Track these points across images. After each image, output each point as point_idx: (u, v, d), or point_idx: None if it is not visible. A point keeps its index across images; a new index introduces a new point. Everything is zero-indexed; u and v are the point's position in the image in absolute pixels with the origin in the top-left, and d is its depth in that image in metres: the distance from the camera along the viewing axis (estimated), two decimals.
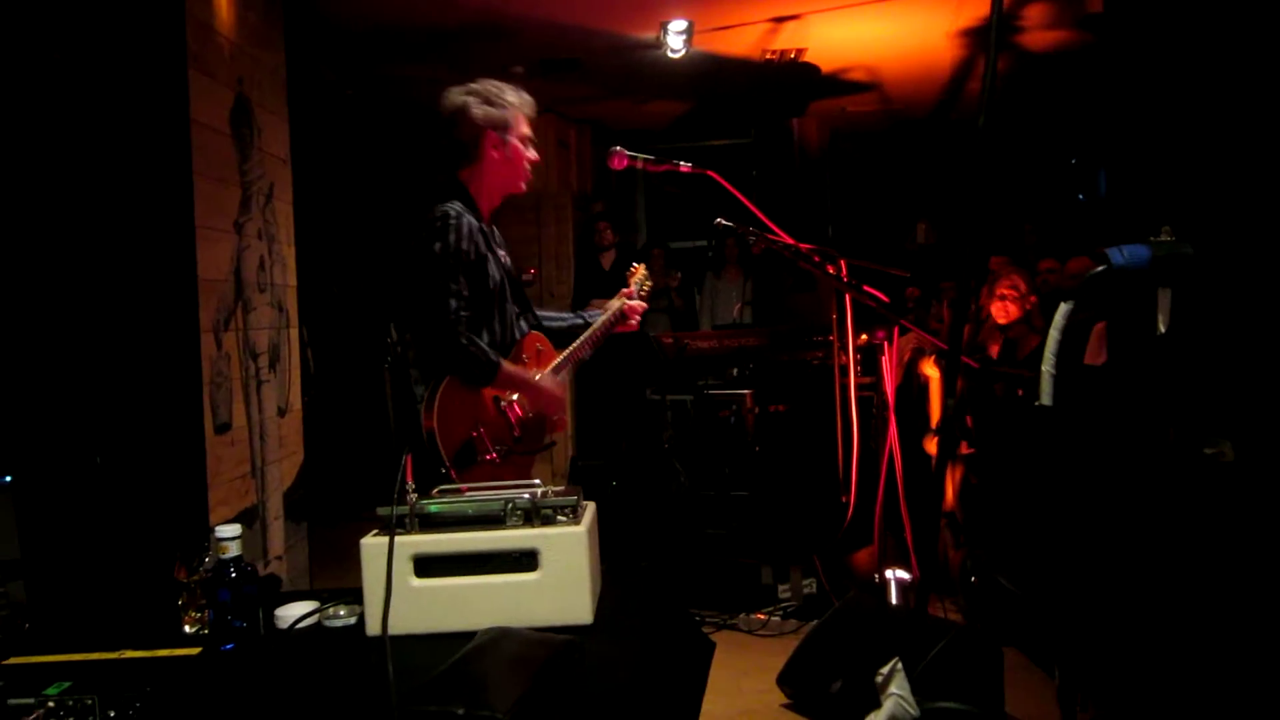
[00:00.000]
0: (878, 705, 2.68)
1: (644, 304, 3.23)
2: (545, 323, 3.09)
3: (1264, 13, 2.48)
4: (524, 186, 2.94)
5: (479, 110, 2.81)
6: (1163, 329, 1.62)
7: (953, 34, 6.11)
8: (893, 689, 2.71)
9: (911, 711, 2.70)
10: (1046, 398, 1.59)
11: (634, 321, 3.21)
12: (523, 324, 2.96)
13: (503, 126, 2.83)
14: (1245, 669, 2.28)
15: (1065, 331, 1.57)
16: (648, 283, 3.34)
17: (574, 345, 3.03)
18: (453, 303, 2.65)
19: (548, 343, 3.02)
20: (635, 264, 3.42)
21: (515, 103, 2.87)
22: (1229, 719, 2.30)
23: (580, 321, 3.16)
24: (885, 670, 2.75)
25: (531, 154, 2.91)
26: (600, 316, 3.13)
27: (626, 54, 6.32)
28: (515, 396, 2.80)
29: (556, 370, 2.96)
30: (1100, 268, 1.63)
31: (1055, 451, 1.85)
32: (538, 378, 2.84)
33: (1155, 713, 2.53)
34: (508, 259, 2.95)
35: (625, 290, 3.24)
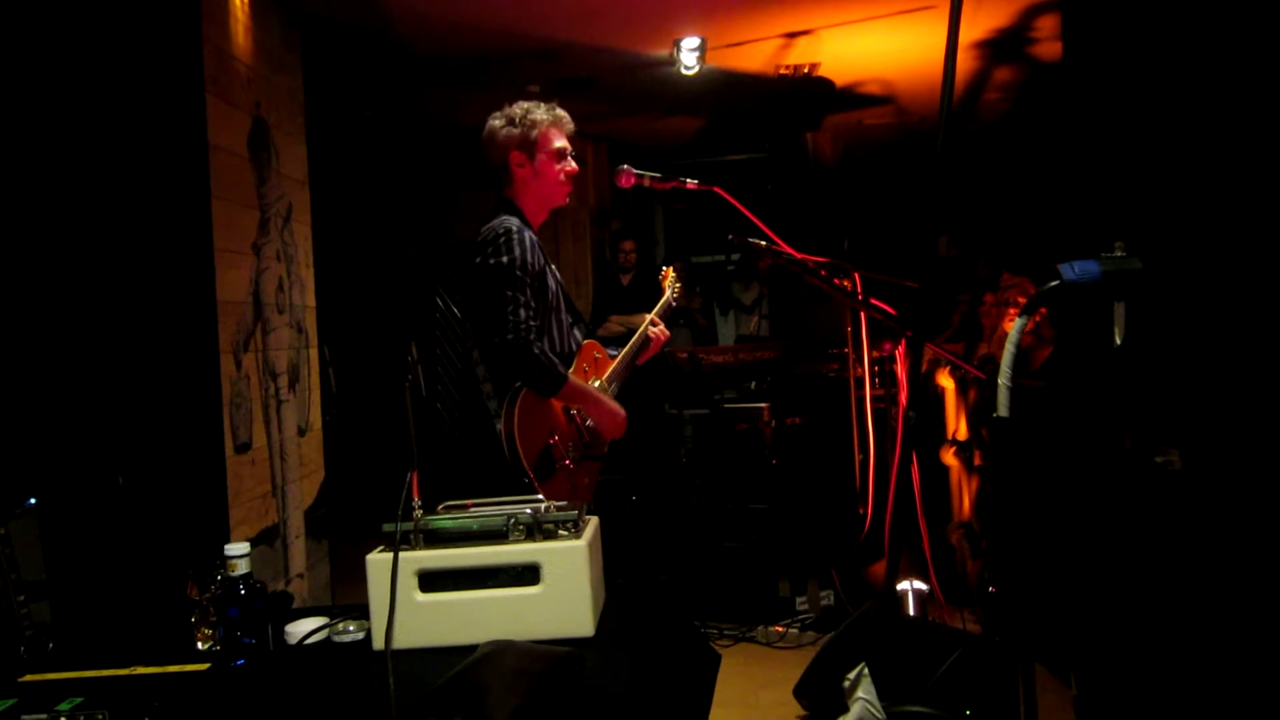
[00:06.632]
0: (845, 710, 2.71)
1: (667, 333, 3.31)
2: None
3: (1214, 38, 2.52)
4: (565, 199, 3.04)
5: (503, 133, 2.95)
6: (1119, 341, 1.64)
7: (967, 46, 6.10)
8: (860, 694, 2.75)
9: (878, 715, 2.73)
10: (1004, 409, 1.62)
11: (655, 346, 3.30)
12: (577, 334, 3.05)
13: (525, 145, 2.93)
14: (1200, 663, 2.30)
15: (1020, 346, 1.59)
16: (678, 284, 3.44)
17: (616, 361, 3.16)
18: (522, 313, 2.74)
19: (604, 350, 3.14)
20: (665, 267, 3.51)
21: (543, 120, 2.95)
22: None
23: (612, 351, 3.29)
24: (852, 676, 2.78)
25: (568, 166, 3.00)
26: (624, 349, 3.25)
27: (641, 71, 6.36)
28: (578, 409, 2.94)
29: (611, 381, 3.09)
30: (1053, 283, 1.66)
31: (1014, 461, 1.86)
32: (602, 396, 2.98)
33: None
34: (558, 271, 3.06)
35: (651, 315, 3.32)
